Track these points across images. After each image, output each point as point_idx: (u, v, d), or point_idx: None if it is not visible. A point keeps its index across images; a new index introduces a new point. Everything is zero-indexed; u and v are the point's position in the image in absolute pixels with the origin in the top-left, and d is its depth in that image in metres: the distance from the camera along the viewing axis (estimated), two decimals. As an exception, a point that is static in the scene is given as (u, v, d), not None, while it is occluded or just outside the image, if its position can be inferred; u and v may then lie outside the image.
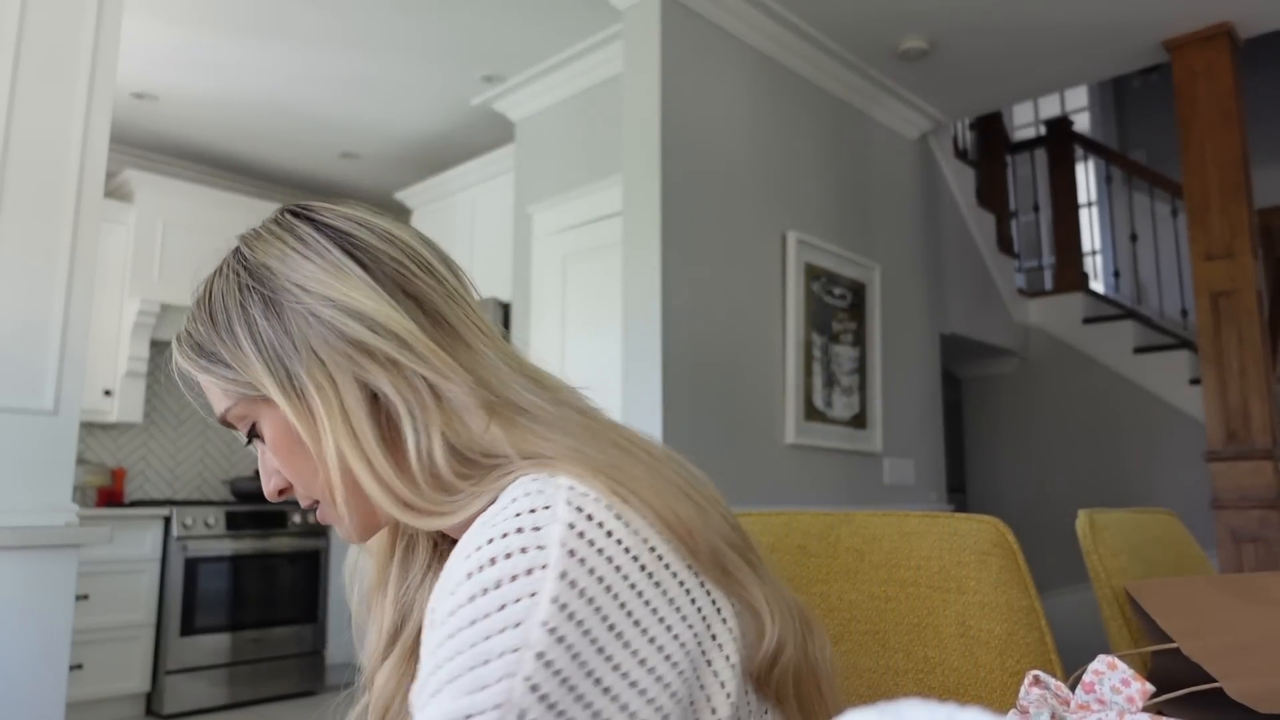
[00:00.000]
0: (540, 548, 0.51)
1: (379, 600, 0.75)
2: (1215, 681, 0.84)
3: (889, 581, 0.96)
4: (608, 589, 0.51)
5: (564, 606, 0.50)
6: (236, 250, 0.70)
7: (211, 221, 4.39)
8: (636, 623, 0.52)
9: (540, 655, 0.48)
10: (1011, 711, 0.61)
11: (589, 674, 0.49)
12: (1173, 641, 0.94)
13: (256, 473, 4.64)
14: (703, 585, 0.57)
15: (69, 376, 1.76)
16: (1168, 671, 0.93)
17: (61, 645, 1.69)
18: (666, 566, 0.55)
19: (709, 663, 0.55)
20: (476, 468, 0.61)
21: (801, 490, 3.17)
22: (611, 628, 0.51)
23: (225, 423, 0.69)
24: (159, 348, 4.49)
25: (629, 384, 2.83)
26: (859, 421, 3.47)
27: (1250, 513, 3.07)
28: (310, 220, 0.68)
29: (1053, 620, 0.97)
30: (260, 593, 4.12)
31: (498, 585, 0.50)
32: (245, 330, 0.64)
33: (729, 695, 0.56)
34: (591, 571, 0.51)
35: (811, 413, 3.24)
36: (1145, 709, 0.58)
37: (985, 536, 1.00)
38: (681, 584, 0.56)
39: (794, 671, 0.60)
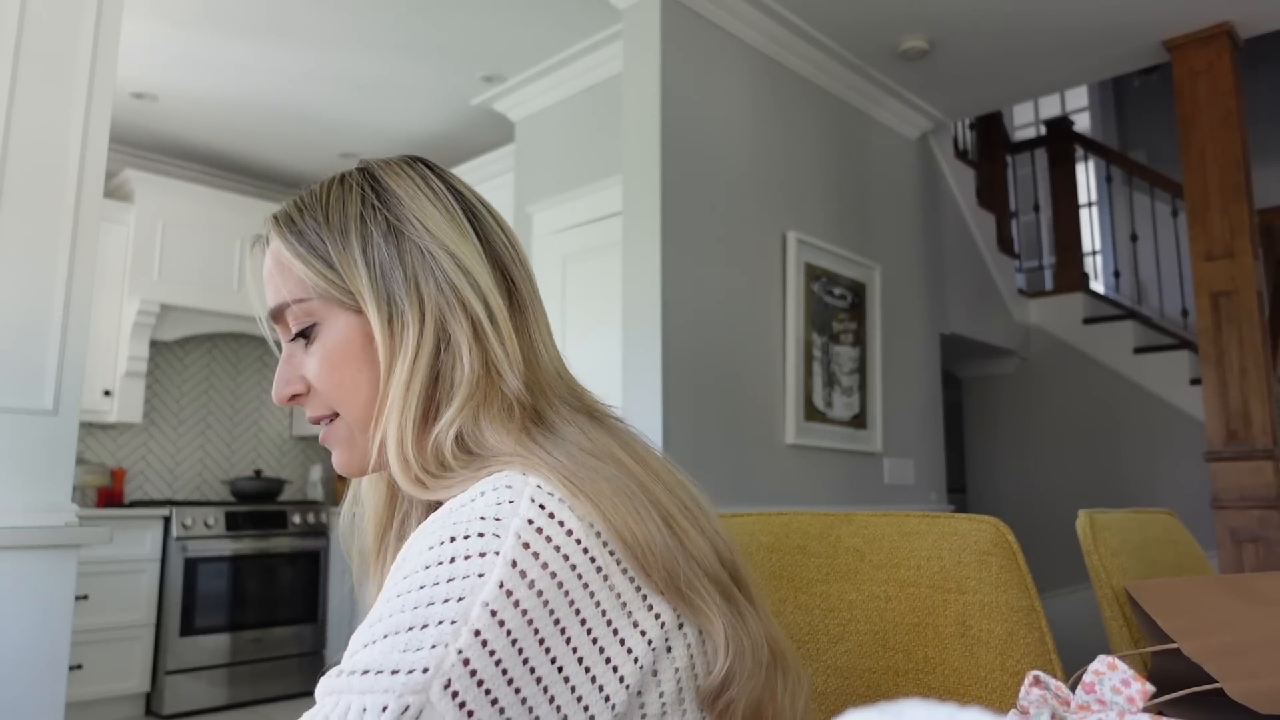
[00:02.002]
0: (496, 535, 0.53)
1: (377, 570, 0.76)
2: (1216, 682, 0.84)
3: (889, 581, 0.96)
4: (559, 585, 0.53)
5: (509, 593, 0.51)
6: (364, 170, 0.72)
7: (211, 221, 4.39)
8: (583, 622, 0.53)
9: (477, 633, 0.50)
10: (1012, 712, 0.61)
11: (524, 661, 0.51)
12: (1173, 641, 0.94)
13: (257, 472, 4.64)
14: (663, 596, 0.58)
15: (69, 376, 1.76)
16: (1168, 672, 0.93)
17: (61, 645, 1.69)
18: (627, 574, 0.56)
19: (655, 674, 0.56)
20: (471, 458, 0.62)
21: (801, 490, 3.17)
22: (556, 623, 0.52)
23: (277, 314, 0.70)
24: (159, 348, 4.49)
25: (629, 384, 2.82)
26: (859, 421, 3.47)
27: (1250, 513, 3.07)
28: (440, 176, 0.71)
29: (1053, 620, 0.97)
30: (260, 593, 4.12)
31: (452, 560, 0.52)
32: (360, 241, 0.66)
33: (664, 709, 0.57)
34: (544, 566, 0.53)
35: (811, 413, 3.24)
36: (1145, 709, 0.58)
37: (985, 536, 1.00)
38: (644, 597, 0.57)
39: (750, 707, 0.60)
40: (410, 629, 0.50)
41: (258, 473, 4.69)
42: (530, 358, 0.67)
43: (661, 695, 0.57)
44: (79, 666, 3.54)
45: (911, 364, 3.83)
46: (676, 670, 0.57)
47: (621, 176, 3.01)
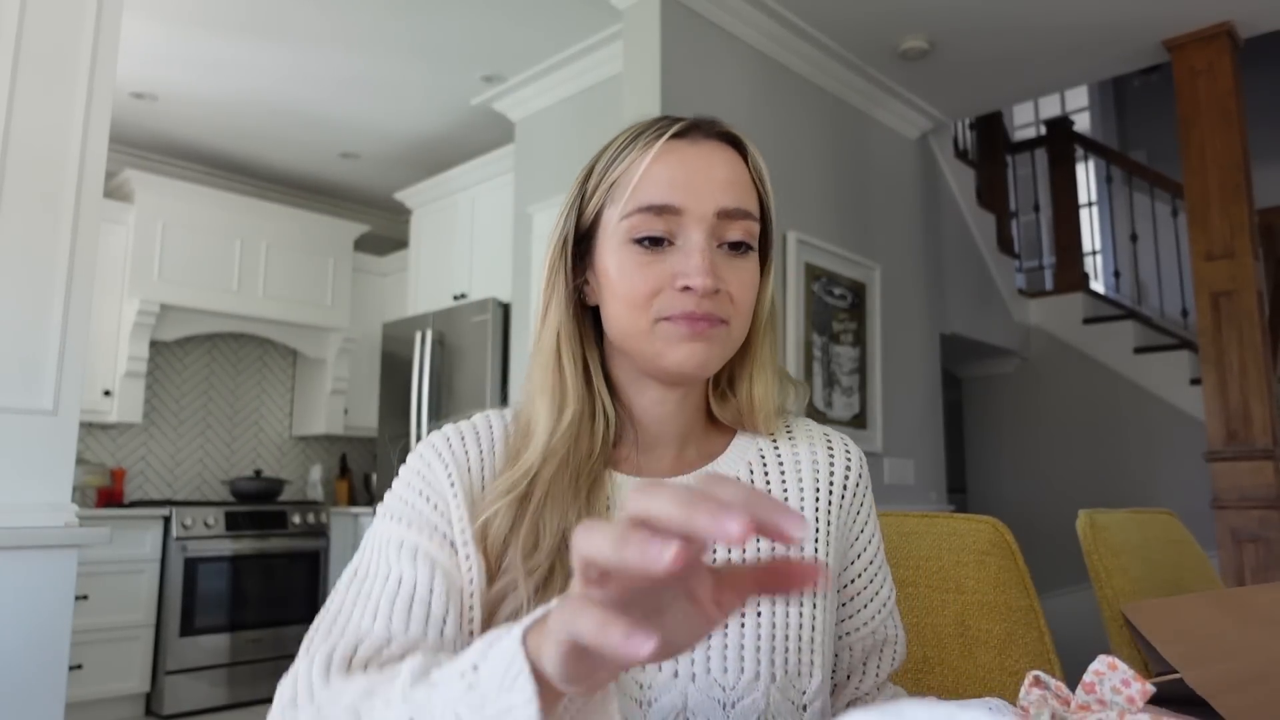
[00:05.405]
0: None
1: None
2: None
3: (889, 582, 0.95)
4: None
5: None
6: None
7: (211, 221, 4.38)
8: None
9: None
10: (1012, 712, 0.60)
11: None
12: (1175, 671, 0.93)
13: (257, 472, 4.64)
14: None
15: (68, 376, 1.76)
16: (1169, 692, 0.93)
17: (61, 645, 1.69)
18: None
19: None
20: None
21: (801, 490, 3.17)
22: None
23: (732, 214, 0.72)
24: (158, 348, 4.49)
25: (629, 384, 2.82)
26: (859, 421, 3.47)
27: (1250, 513, 3.07)
28: None
29: (1052, 620, 0.97)
30: (260, 593, 4.12)
31: None
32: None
33: None
34: None
35: (811, 413, 3.24)
36: (1145, 709, 0.58)
37: (984, 537, 1.00)
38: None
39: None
40: None
41: (257, 473, 4.69)
42: None
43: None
44: (79, 666, 3.54)
45: (911, 364, 3.83)
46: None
47: (621, 176, 3.01)
